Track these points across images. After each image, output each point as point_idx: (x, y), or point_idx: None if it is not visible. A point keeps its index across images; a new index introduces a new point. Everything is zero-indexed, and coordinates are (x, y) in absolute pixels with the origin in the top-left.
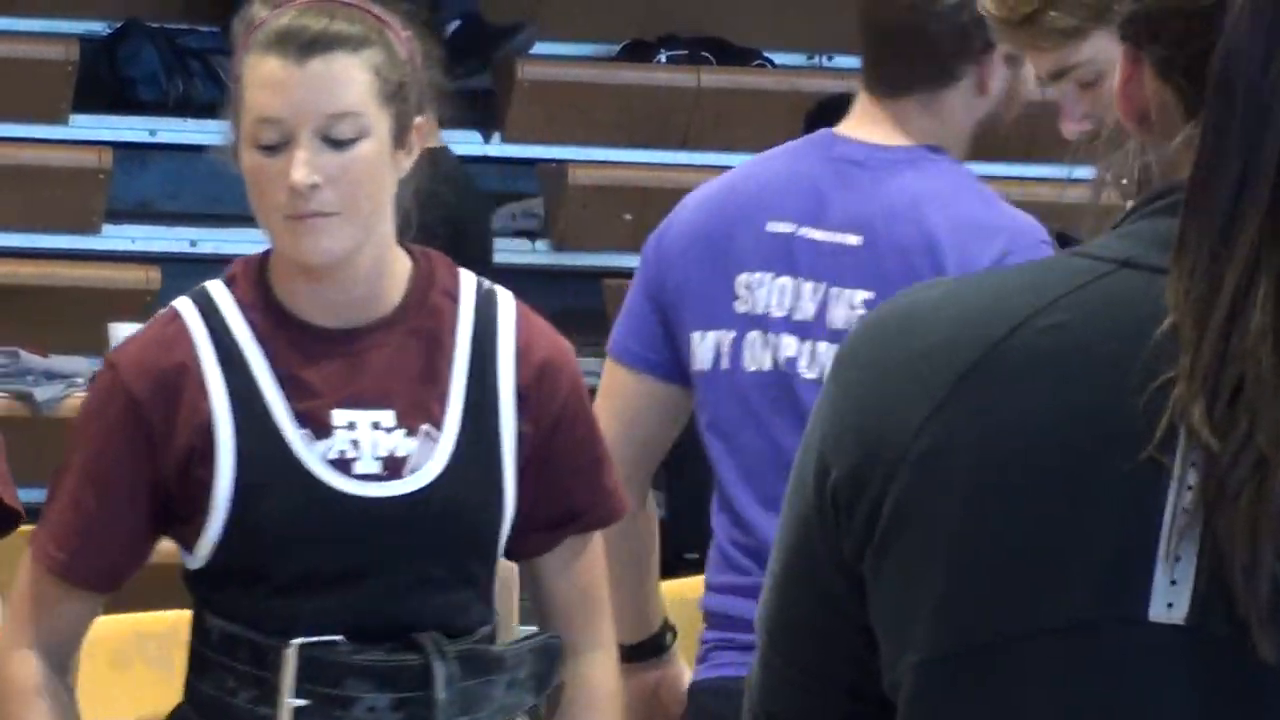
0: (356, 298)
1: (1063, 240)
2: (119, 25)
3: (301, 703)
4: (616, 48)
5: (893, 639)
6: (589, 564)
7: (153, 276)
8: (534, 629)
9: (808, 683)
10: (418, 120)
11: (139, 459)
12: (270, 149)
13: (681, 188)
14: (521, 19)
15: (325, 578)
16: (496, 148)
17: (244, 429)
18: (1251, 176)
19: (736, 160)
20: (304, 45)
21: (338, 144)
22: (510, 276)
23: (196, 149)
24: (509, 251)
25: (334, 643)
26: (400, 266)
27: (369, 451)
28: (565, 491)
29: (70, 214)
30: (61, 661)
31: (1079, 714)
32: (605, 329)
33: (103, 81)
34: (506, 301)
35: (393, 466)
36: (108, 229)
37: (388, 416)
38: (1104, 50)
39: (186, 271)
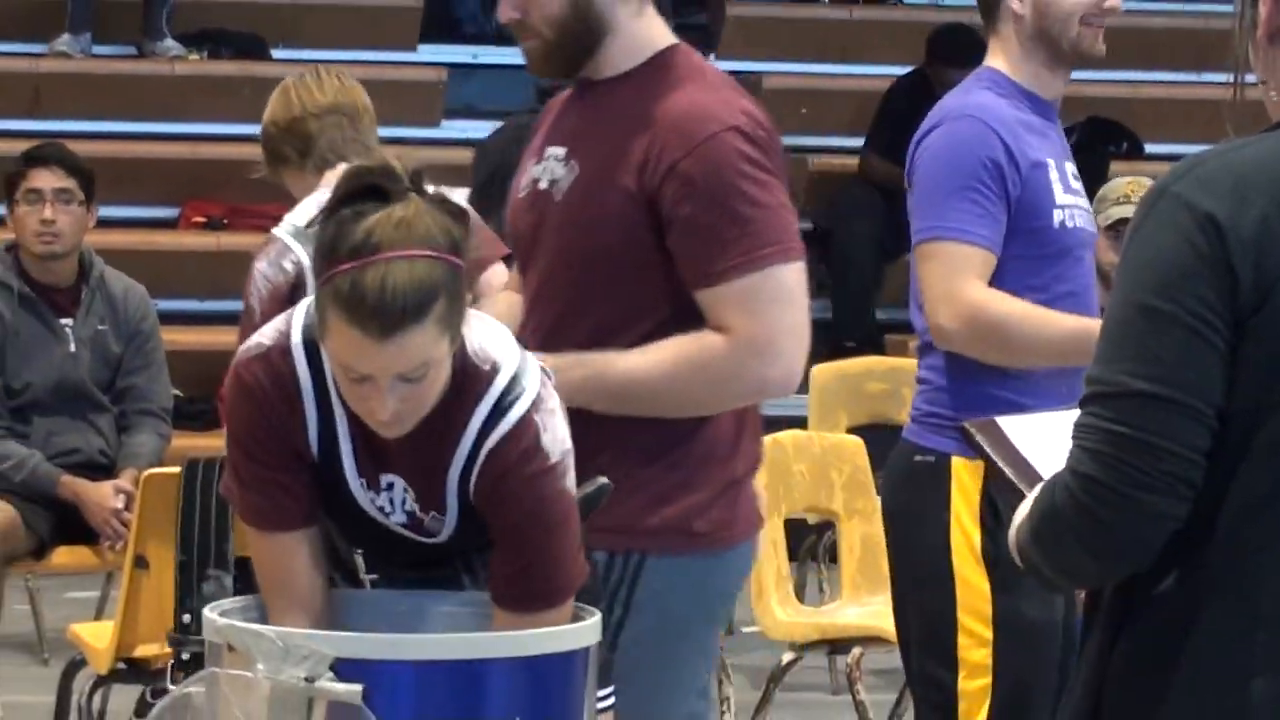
0: None
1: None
2: None
3: (373, 577)
4: None
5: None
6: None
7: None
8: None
9: (1197, 411)
10: (467, 295)
11: (275, 434)
12: (355, 380)
13: (838, 90)
14: None
15: (375, 543)
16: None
17: (324, 466)
18: None
19: (877, 70)
20: (383, 328)
21: (412, 380)
22: None
23: (506, 68)
24: None
25: (386, 557)
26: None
27: (399, 506)
28: (495, 574)
29: (418, 114)
30: (312, 603)
31: None
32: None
33: (439, 18)
34: (506, 424)
35: (414, 525)
36: (445, 124)
37: (413, 492)
38: None
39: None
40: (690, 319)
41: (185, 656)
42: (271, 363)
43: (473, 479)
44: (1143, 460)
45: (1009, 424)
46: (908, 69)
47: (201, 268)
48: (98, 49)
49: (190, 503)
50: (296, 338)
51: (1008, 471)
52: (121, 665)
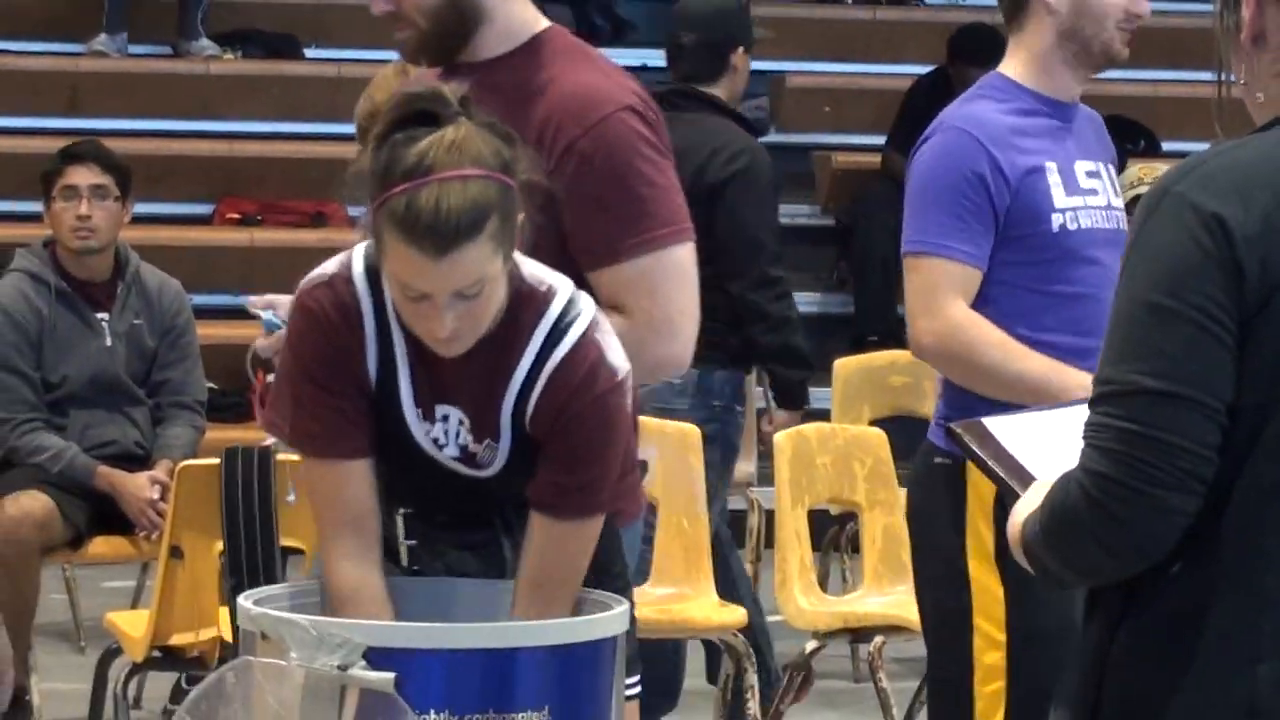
0: None
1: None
2: None
3: (412, 543)
4: None
5: None
6: (550, 548)
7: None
8: None
9: (1207, 407)
10: (520, 217)
11: (338, 360)
12: (413, 298)
13: (861, 89)
14: None
15: (422, 488)
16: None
17: (381, 396)
18: None
19: (900, 70)
20: (438, 246)
21: (468, 297)
22: None
23: None
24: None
25: (427, 517)
26: (500, 304)
27: (453, 439)
28: (543, 480)
29: None
30: (370, 533)
31: None
32: (813, 185)
33: None
34: (566, 344)
35: (467, 458)
36: None
37: (468, 420)
38: None
39: None
40: None
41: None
42: (335, 289)
43: (531, 403)
44: (1156, 457)
45: (995, 424)
46: (930, 68)
47: (235, 263)
48: (134, 49)
49: (232, 493)
50: (358, 267)
51: (998, 471)
52: (156, 653)
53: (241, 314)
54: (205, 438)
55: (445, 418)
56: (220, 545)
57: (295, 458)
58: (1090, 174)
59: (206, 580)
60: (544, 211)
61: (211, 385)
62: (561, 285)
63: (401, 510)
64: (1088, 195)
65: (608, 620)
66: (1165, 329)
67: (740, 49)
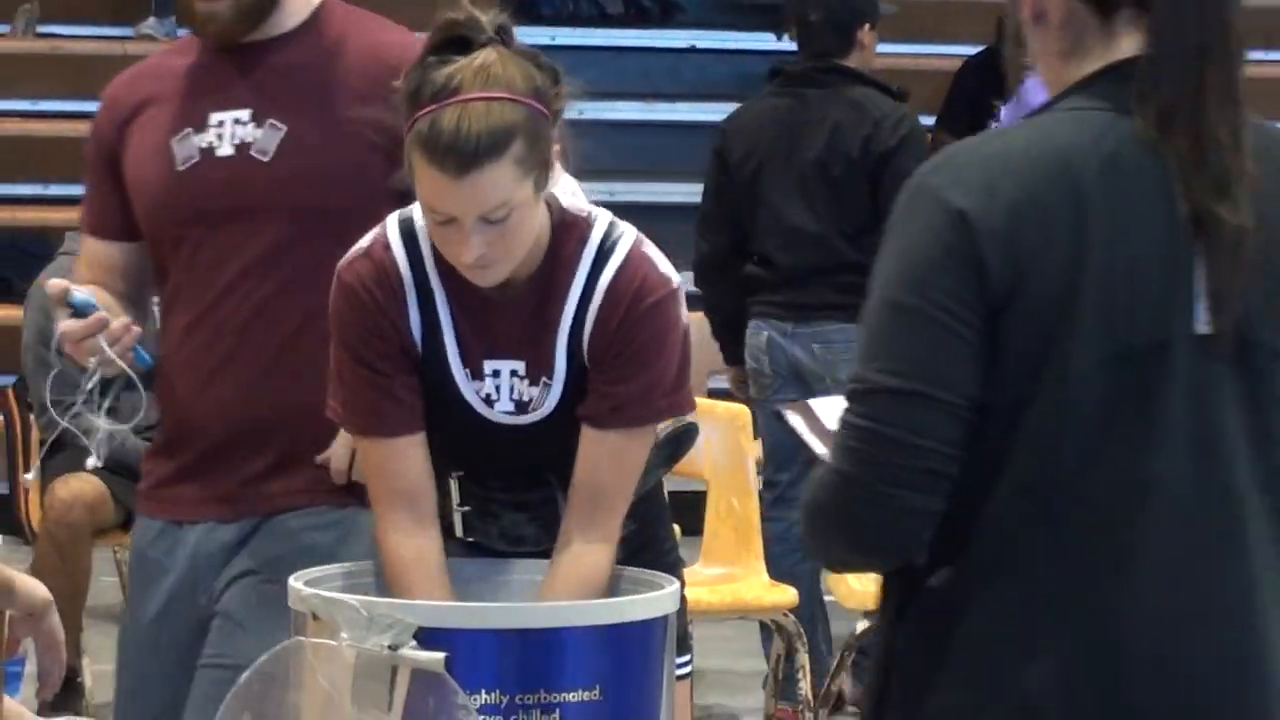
0: (506, 277)
1: None
2: None
3: (466, 509)
4: None
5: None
6: (604, 460)
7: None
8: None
9: (949, 404)
10: (555, 149)
11: (382, 335)
12: (442, 222)
13: (912, 70)
14: None
15: (475, 451)
16: (786, 44)
17: (428, 360)
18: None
19: (950, 50)
20: (459, 165)
21: (495, 221)
22: None
23: (585, 49)
24: None
25: (482, 478)
26: (541, 240)
27: (506, 394)
28: (596, 393)
29: None
30: (424, 505)
31: None
32: None
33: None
34: (615, 261)
35: (521, 407)
36: None
37: (521, 367)
38: None
39: (577, 132)
40: None
41: None
42: (372, 257)
43: (588, 324)
44: (896, 457)
45: (820, 405)
46: (979, 49)
47: None
48: (183, 32)
49: None
50: (394, 230)
51: (816, 453)
52: None
53: None
54: None
55: (496, 373)
56: None
57: None
58: None
59: None
60: (383, 179)
61: None
62: (600, 211)
63: (454, 474)
64: None
65: (658, 600)
66: (907, 327)
67: (867, 25)
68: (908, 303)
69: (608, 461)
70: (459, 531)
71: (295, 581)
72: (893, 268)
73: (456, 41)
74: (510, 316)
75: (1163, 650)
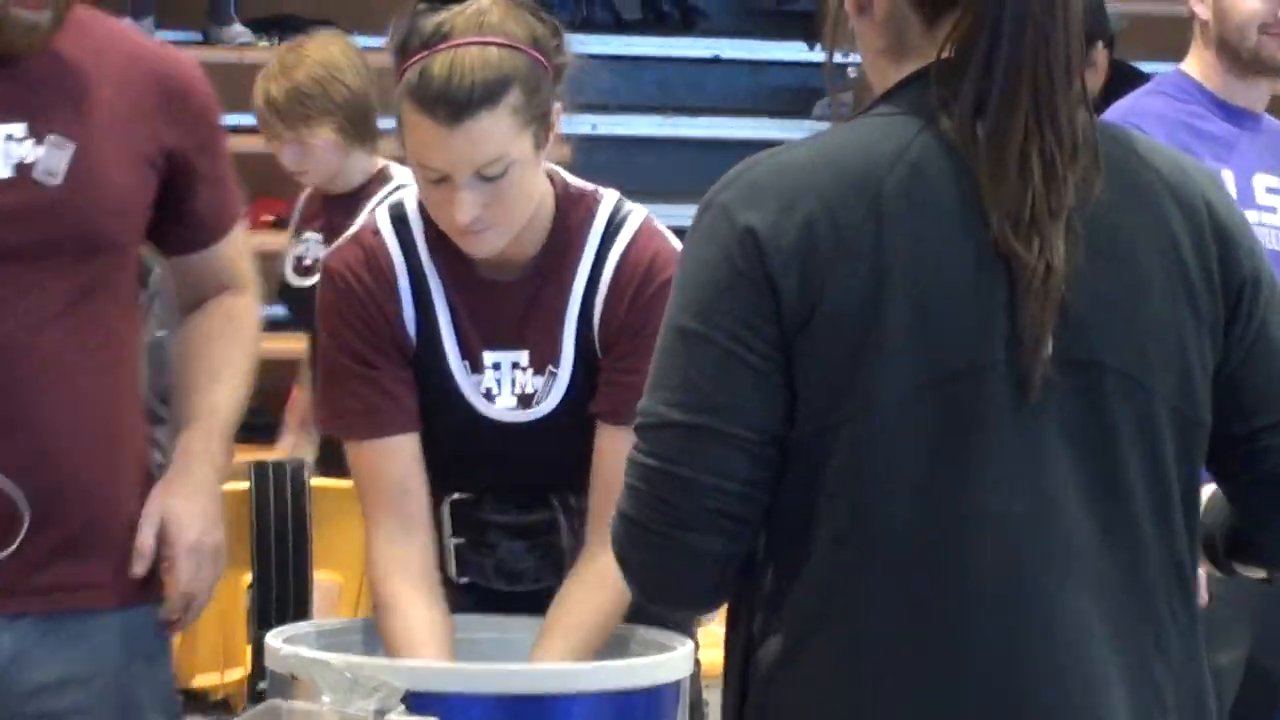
0: (506, 253)
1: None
2: None
3: (459, 541)
4: None
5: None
6: (614, 457)
7: (564, 152)
8: None
9: (738, 439)
10: (555, 108)
11: (373, 328)
12: (433, 180)
13: None
14: None
15: (470, 463)
16: (818, 54)
17: (423, 354)
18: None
19: None
20: (452, 112)
21: (490, 178)
22: None
23: (598, 58)
24: None
25: (481, 501)
26: (543, 215)
27: (508, 388)
28: (610, 385)
29: None
30: (418, 519)
31: None
32: None
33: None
34: (625, 236)
35: (524, 400)
36: None
37: (523, 357)
38: None
39: (589, 147)
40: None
41: (261, 687)
42: (361, 243)
43: (598, 304)
44: (677, 496)
45: None
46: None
47: (270, 270)
48: (160, 35)
49: (263, 513)
50: (383, 215)
51: None
52: (179, 696)
53: (276, 325)
54: (234, 461)
55: (497, 365)
56: (249, 577)
57: (328, 482)
58: (1271, 190)
59: (233, 616)
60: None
61: None
62: (607, 190)
63: (449, 498)
64: (1265, 212)
65: (670, 663)
66: (694, 356)
67: (1099, 44)
68: (694, 329)
69: (610, 458)
70: (452, 570)
71: (274, 639)
72: (680, 293)
73: None
74: (513, 300)
75: (1003, 684)
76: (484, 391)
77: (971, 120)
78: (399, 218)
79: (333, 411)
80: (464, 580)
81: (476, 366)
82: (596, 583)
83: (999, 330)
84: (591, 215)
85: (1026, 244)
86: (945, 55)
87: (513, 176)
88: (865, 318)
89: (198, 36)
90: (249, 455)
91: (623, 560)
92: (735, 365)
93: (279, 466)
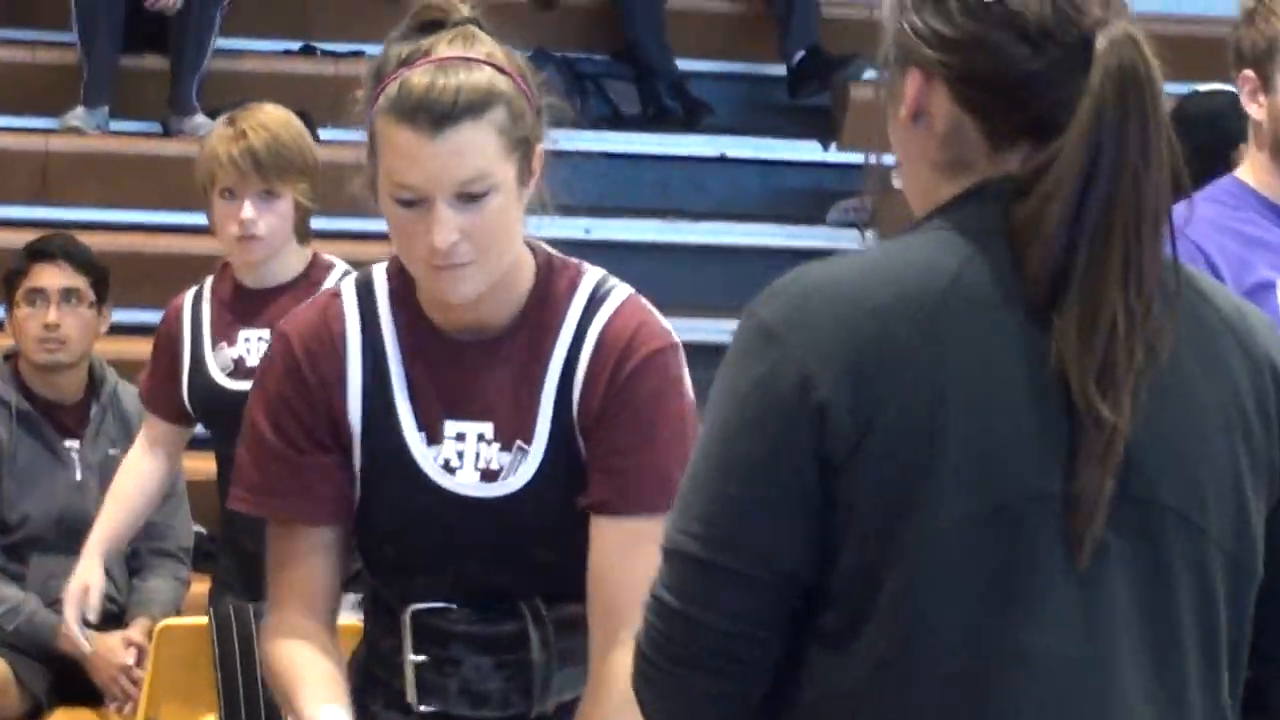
0: (480, 314)
1: None
2: (530, 52)
3: (420, 659)
4: None
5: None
6: (624, 548)
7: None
8: None
9: (749, 578)
10: (538, 149)
11: (310, 406)
12: (409, 204)
13: None
14: (854, 51)
15: (433, 555)
16: (834, 155)
17: (371, 425)
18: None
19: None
20: (434, 120)
21: (471, 199)
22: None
23: (594, 156)
24: (844, 240)
25: (445, 609)
26: (523, 278)
27: (470, 462)
28: (600, 473)
29: None
30: (322, 612)
31: None
32: None
33: None
34: (609, 307)
35: (489, 476)
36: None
37: (489, 429)
38: None
39: (582, 254)
40: None
41: None
42: (317, 307)
43: (577, 381)
44: (683, 635)
45: None
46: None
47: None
48: (116, 125)
49: (227, 649)
50: (348, 281)
51: None
52: None
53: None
54: (190, 591)
55: (460, 436)
56: (209, 719)
57: None
58: None
59: None
60: None
61: (199, 529)
62: (591, 265)
63: (410, 608)
64: None
65: None
66: (723, 485)
67: (1240, 146)
68: (725, 458)
69: (622, 557)
70: (412, 696)
71: None
72: (717, 411)
73: (428, 25)
74: (482, 365)
75: None
76: (442, 463)
77: (1063, 259)
78: (364, 280)
79: (247, 482)
80: (425, 709)
81: (435, 437)
82: (605, 695)
83: (1058, 462)
84: (574, 286)
85: (1104, 400)
86: (1012, 174)
87: (495, 203)
88: (918, 447)
89: (156, 128)
90: (207, 587)
91: (638, 695)
92: (765, 502)
93: (240, 609)
